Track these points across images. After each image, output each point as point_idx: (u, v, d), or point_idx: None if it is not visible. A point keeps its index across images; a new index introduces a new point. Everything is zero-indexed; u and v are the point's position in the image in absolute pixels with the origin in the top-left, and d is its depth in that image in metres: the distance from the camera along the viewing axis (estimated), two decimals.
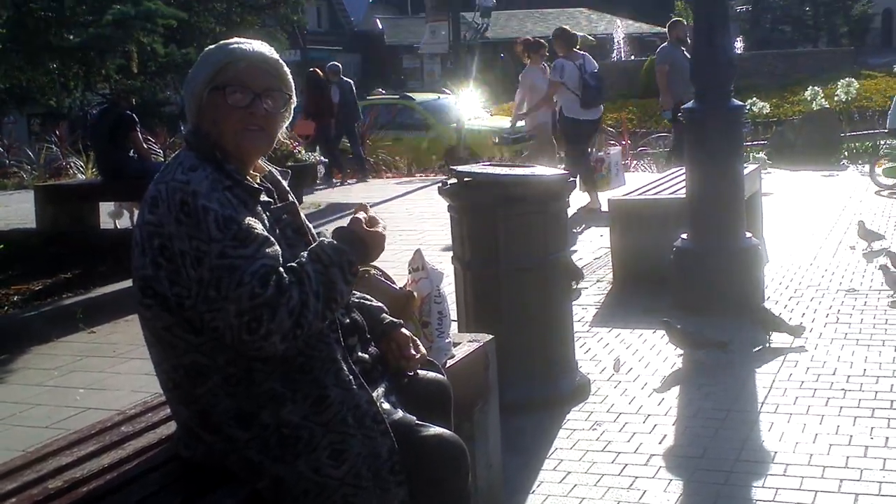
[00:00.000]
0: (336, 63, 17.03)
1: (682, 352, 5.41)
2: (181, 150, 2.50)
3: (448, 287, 3.35)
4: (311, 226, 2.67)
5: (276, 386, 2.37)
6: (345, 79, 16.94)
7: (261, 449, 2.37)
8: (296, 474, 2.36)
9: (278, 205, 2.54)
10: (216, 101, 2.45)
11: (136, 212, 10.09)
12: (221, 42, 2.56)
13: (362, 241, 2.48)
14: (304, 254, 2.40)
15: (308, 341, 2.39)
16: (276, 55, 2.54)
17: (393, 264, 5.25)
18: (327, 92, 15.71)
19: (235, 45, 2.51)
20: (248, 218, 2.33)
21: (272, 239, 2.35)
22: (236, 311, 2.24)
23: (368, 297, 2.86)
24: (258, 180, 2.54)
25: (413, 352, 2.73)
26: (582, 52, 11.13)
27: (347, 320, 2.62)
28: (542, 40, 12.59)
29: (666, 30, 12.88)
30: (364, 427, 2.42)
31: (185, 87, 2.55)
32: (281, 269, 2.30)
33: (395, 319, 2.81)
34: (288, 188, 2.67)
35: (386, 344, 2.74)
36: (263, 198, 2.47)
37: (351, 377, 2.47)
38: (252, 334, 2.25)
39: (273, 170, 2.64)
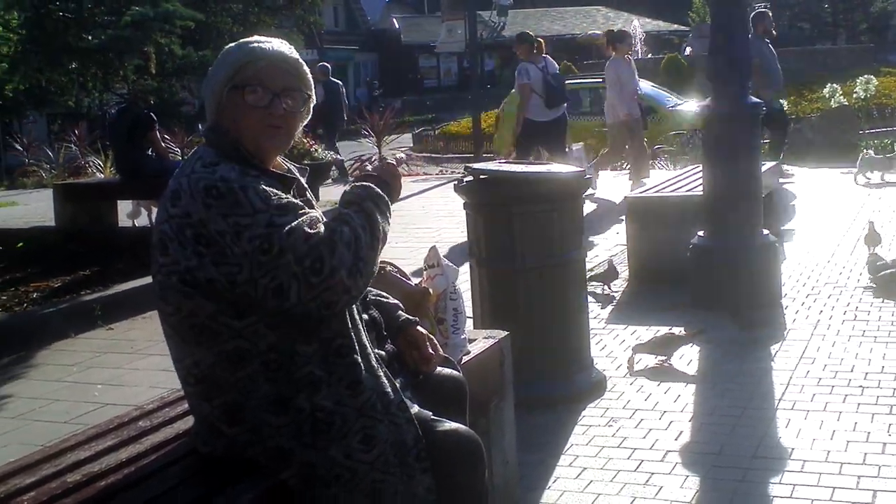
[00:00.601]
0: (325, 63, 16.98)
1: (697, 349, 5.41)
2: (199, 146, 2.51)
3: (463, 284, 3.36)
4: None
5: (315, 370, 2.38)
6: (333, 80, 16.93)
7: (293, 435, 2.37)
8: (328, 460, 2.37)
9: (299, 199, 2.53)
10: (235, 100, 2.46)
11: (154, 210, 10.25)
12: (241, 41, 2.57)
13: (377, 177, 2.56)
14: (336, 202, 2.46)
15: (342, 324, 2.42)
16: (295, 54, 2.55)
17: (408, 261, 5.27)
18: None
19: (255, 44, 2.52)
20: (286, 196, 2.37)
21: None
22: (296, 259, 2.24)
23: (384, 294, 2.87)
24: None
25: (431, 351, 2.74)
26: (543, 56, 11.57)
27: (365, 316, 2.63)
28: (627, 30, 12.67)
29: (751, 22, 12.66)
30: (390, 414, 2.44)
31: (205, 86, 2.56)
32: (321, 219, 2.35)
33: (410, 317, 2.83)
34: (306, 185, 2.69)
35: (402, 341, 2.76)
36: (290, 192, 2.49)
37: (378, 364, 2.50)
38: (318, 275, 2.24)
39: (291, 167, 2.65)
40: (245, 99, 2.45)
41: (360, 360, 2.44)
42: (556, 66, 11.84)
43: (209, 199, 2.28)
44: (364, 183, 2.51)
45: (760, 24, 12.25)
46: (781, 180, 11.46)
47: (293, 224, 2.27)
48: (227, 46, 2.59)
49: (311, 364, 2.38)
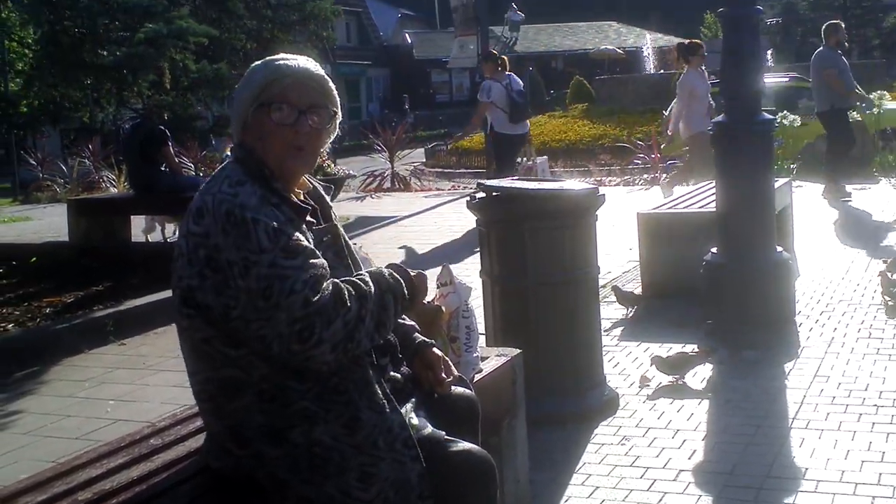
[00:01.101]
0: None
1: (710, 366, 5.38)
2: (227, 162, 2.50)
3: (476, 301, 3.35)
4: (352, 245, 2.69)
5: (310, 405, 2.37)
6: None
7: (289, 468, 2.37)
8: (324, 496, 2.35)
9: (321, 226, 2.55)
10: (261, 118, 2.46)
11: (168, 226, 10.28)
12: (267, 59, 2.56)
13: (411, 280, 2.57)
14: (364, 274, 2.46)
15: (342, 362, 2.40)
16: (321, 71, 2.55)
17: None
18: None
19: (281, 62, 2.51)
20: (296, 232, 2.36)
21: (318, 252, 2.38)
22: (288, 320, 2.25)
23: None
24: (301, 197, 2.56)
25: (445, 375, 2.73)
26: (507, 73, 12.02)
27: (390, 337, 2.63)
28: (699, 41, 12.17)
29: (822, 33, 12.57)
30: (394, 451, 2.41)
31: (232, 103, 2.57)
32: (336, 280, 2.34)
33: (426, 339, 2.82)
34: (331, 203, 2.69)
35: (418, 363, 2.75)
36: (307, 217, 2.48)
37: (385, 401, 2.47)
38: (303, 343, 2.26)
39: (317, 185, 2.65)
40: (271, 117, 2.44)
41: (358, 398, 2.42)
42: (521, 83, 12.27)
43: (228, 225, 2.28)
44: (398, 278, 2.52)
45: (833, 37, 12.12)
46: (843, 199, 11.38)
47: (301, 278, 2.26)
48: (253, 65, 2.58)
49: (306, 399, 2.37)
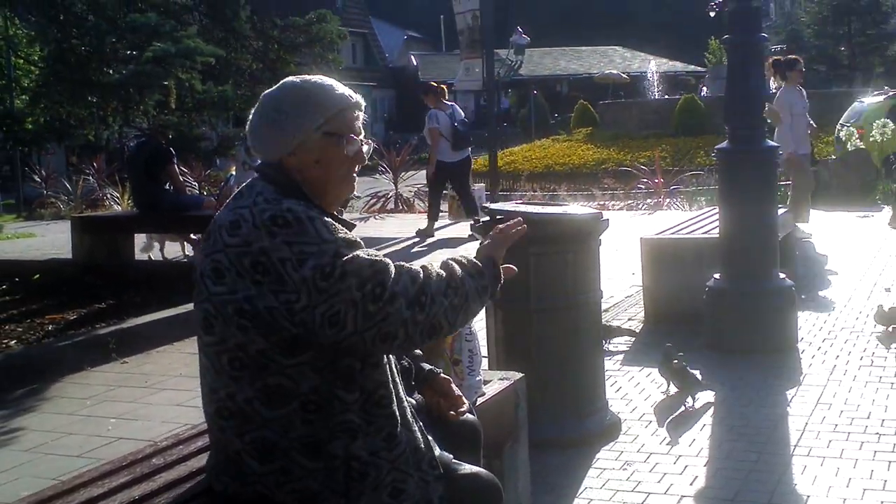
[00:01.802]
0: None
1: (712, 393, 5.37)
2: (254, 179, 2.50)
3: (478, 324, 3.36)
4: None
5: (354, 417, 2.37)
6: None
7: (324, 481, 2.36)
8: None
9: None
10: (326, 145, 2.47)
11: (167, 244, 10.27)
12: (322, 82, 2.54)
13: (497, 268, 2.62)
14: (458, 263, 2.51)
15: (384, 375, 2.42)
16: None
17: None
18: None
19: (345, 92, 2.54)
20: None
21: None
22: (358, 283, 2.26)
23: None
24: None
25: (459, 396, 2.77)
26: (450, 103, 12.94)
27: (405, 363, 2.68)
28: (796, 56, 11.46)
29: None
30: (421, 470, 2.44)
31: (281, 122, 2.49)
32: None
33: (434, 368, 2.85)
34: None
35: (429, 391, 2.79)
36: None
37: (413, 417, 2.50)
38: (377, 301, 2.26)
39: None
40: (342, 149, 2.48)
41: (397, 412, 2.44)
42: (462, 113, 13.29)
43: (275, 227, 2.28)
44: (481, 268, 2.54)
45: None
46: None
47: (358, 251, 2.30)
48: (303, 85, 2.54)
49: (351, 412, 2.36)
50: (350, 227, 2.47)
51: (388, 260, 2.34)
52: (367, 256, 2.30)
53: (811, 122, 10.92)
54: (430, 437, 2.56)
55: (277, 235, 2.28)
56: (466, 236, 11.41)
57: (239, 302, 2.31)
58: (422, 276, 2.35)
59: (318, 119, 2.47)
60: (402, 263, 2.37)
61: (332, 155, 2.49)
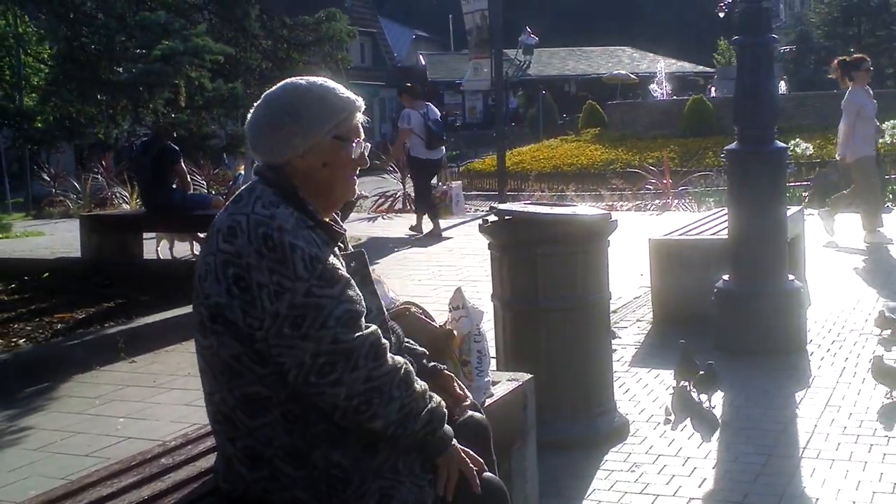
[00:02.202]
0: None
1: (721, 394, 5.36)
2: (253, 182, 2.50)
3: (486, 325, 3.35)
4: (374, 274, 2.72)
5: (332, 427, 2.37)
6: None
7: (309, 489, 2.37)
8: None
9: (347, 252, 2.58)
10: (336, 148, 2.49)
11: (177, 243, 10.31)
12: (329, 86, 2.54)
13: (449, 454, 2.50)
14: (429, 392, 2.49)
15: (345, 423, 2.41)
16: None
17: (432, 300, 5.27)
18: None
19: (352, 96, 2.55)
20: (331, 258, 2.38)
21: (353, 281, 2.40)
22: (313, 351, 2.28)
23: (411, 340, 2.88)
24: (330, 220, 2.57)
25: (460, 392, 2.75)
26: (425, 102, 13.15)
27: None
28: (862, 55, 10.88)
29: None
30: (413, 475, 2.43)
31: (291, 125, 2.46)
32: (380, 334, 2.38)
33: (437, 364, 2.83)
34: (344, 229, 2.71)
35: (431, 386, 2.74)
36: (339, 244, 2.51)
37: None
38: (322, 378, 2.29)
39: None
40: (348, 152, 2.50)
41: None
42: (438, 112, 13.48)
43: (264, 248, 2.29)
44: (445, 434, 2.49)
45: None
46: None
47: (335, 313, 2.29)
48: (313, 88, 2.53)
49: (328, 421, 2.37)
50: (337, 236, 2.47)
51: (359, 337, 2.32)
52: (335, 321, 2.28)
53: (878, 124, 10.67)
54: None
55: (264, 258, 2.29)
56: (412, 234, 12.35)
57: (211, 307, 2.34)
58: (384, 376, 2.35)
59: (330, 122, 2.48)
60: (383, 347, 2.37)
61: (340, 158, 2.50)
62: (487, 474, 2.60)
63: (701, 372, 5.20)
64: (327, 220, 2.50)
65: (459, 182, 15.44)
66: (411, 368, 2.45)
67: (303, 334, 2.27)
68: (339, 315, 2.30)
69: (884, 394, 5.24)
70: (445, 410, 2.51)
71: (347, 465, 2.37)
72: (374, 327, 2.39)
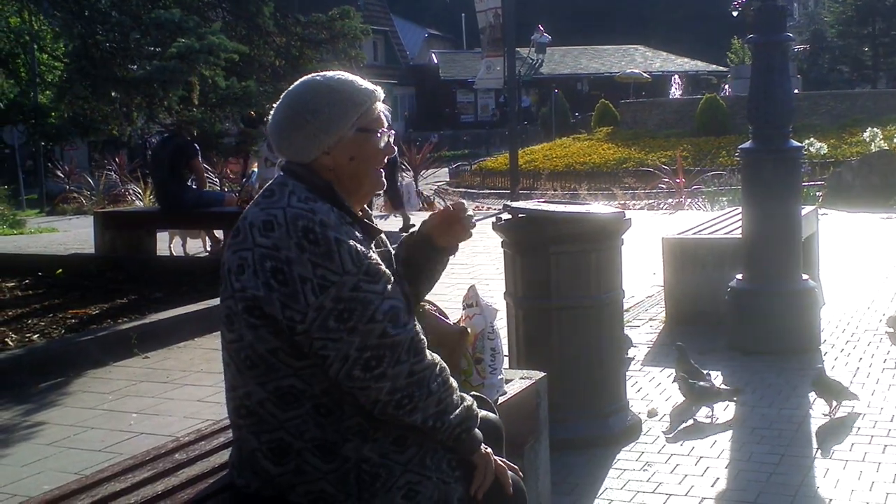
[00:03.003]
0: None
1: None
2: (282, 177, 2.47)
3: (499, 323, 3.35)
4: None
5: (364, 420, 2.37)
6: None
7: (337, 483, 2.37)
8: None
9: (380, 249, 2.58)
10: (361, 140, 2.49)
11: (189, 239, 10.34)
12: (347, 79, 2.53)
13: (484, 455, 2.51)
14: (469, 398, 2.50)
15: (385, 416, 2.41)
16: None
17: (446, 297, 5.28)
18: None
19: (369, 87, 2.54)
20: (373, 253, 2.39)
21: (393, 278, 2.41)
22: (360, 345, 2.28)
23: (443, 311, 2.90)
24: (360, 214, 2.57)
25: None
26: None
27: None
28: None
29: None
30: (440, 471, 2.43)
31: (316, 123, 2.46)
32: (416, 325, 2.40)
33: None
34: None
35: None
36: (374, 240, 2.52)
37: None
38: (366, 371, 2.29)
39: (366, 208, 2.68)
40: (375, 143, 2.51)
41: None
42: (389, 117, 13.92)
43: (305, 241, 2.29)
44: (474, 434, 2.49)
45: None
46: None
47: (382, 307, 2.31)
48: (329, 83, 2.51)
49: (361, 415, 2.37)
50: (375, 232, 2.49)
51: (404, 332, 2.33)
52: (383, 315, 2.30)
53: None
54: None
55: (305, 251, 2.28)
56: (397, 230, 12.36)
57: (248, 300, 2.33)
58: (424, 370, 2.36)
59: (353, 116, 2.47)
60: (423, 342, 2.39)
61: (367, 150, 2.50)
62: (510, 473, 2.60)
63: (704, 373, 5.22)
64: (361, 215, 2.51)
65: (411, 177, 15.66)
66: (445, 365, 2.46)
67: (351, 328, 2.27)
68: (387, 310, 2.31)
69: (823, 411, 5.04)
70: (478, 411, 2.52)
71: (376, 459, 2.37)
72: (413, 321, 2.41)
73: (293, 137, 2.49)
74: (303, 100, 2.49)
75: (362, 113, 2.49)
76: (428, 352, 2.41)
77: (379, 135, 2.52)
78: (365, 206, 2.67)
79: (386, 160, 2.57)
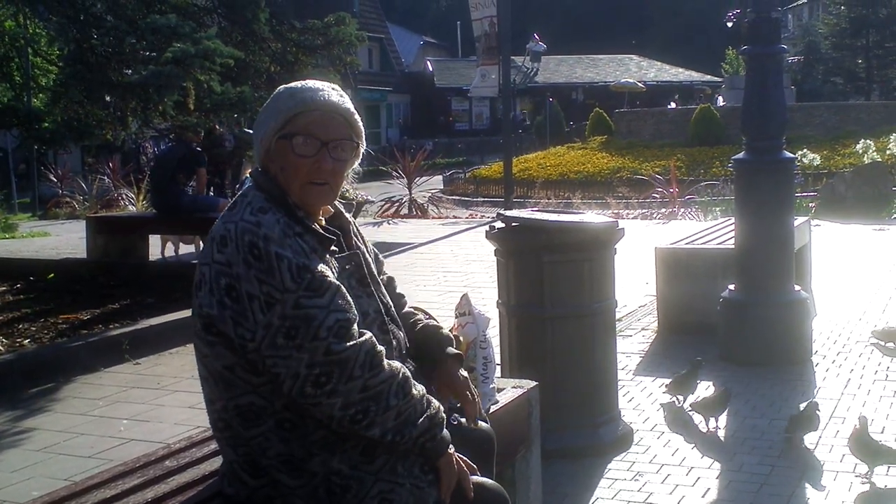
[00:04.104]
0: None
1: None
2: (248, 187, 2.49)
3: (492, 331, 3.35)
4: (377, 272, 2.68)
5: (329, 434, 2.35)
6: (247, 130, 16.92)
7: (308, 498, 2.36)
8: None
9: (343, 254, 2.52)
10: (284, 149, 2.44)
11: (182, 245, 10.34)
12: (292, 87, 2.51)
13: (448, 457, 2.45)
14: (427, 396, 2.43)
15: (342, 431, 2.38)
16: (347, 103, 2.52)
17: (437, 304, 5.27)
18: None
19: (308, 94, 2.47)
20: (320, 265, 2.34)
21: (343, 288, 2.36)
22: (308, 362, 2.25)
23: (435, 320, 2.84)
24: (324, 223, 2.54)
25: (469, 397, 2.65)
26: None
27: (410, 367, 2.58)
28: None
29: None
30: (413, 476, 2.41)
31: (255, 130, 2.55)
32: (374, 341, 2.33)
33: (456, 352, 2.74)
34: (355, 223, 2.69)
35: (440, 380, 2.67)
36: (331, 247, 2.46)
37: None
38: (317, 388, 2.26)
39: (340, 207, 2.64)
40: (294, 150, 2.43)
41: None
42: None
43: (251, 256, 2.27)
44: (440, 435, 2.43)
45: None
46: None
47: (326, 323, 2.26)
48: (278, 90, 2.53)
49: (326, 428, 2.34)
50: (326, 241, 2.42)
51: (353, 346, 2.28)
52: (327, 331, 2.25)
53: None
54: None
55: (252, 267, 2.27)
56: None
57: (204, 318, 2.33)
58: (381, 383, 2.30)
59: (279, 123, 2.45)
60: (379, 354, 2.32)
61: (289, 158, 2.44)
62: (486, 480, 2.58)
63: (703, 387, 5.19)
64: (318, 223, 2.48)
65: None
66: (409, 374, 2.40)
67: (297, 345, 2.25)
68: (331, 325, 2.26)
69: (858, 473, 4.37)
70: (444, 416, 2.47)
71: (346, 471, 2.36)
72: (368, 335, 2.34)
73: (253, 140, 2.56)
74: (263, 106, 2.56)
75: (288, 120, 2.43)
76: (387, 363, 2.35)
77: (300, 141, 2.43)
78: (344, 211, 2.65)
79: (320, 175, 2.44)
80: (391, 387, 2.33)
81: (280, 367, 2.26)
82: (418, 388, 2.41)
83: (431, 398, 2.46)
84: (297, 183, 2.44)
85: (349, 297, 2.36)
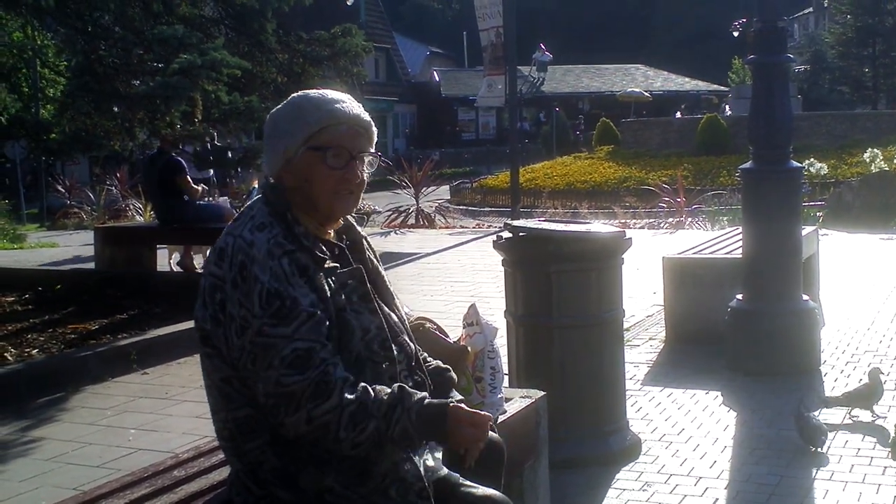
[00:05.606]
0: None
1: (734, 414, 5.34)
2: (256, 199, 2.50)
3: (500, 341, 3.35)
4: (387, 284, 2.67)
5: (315, 450, 2.35)
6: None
7: None
8: None
9: (343, 270, 2.48)
10: (312, 160, 2.44)
11: (191, 255, 10.31)
12: (313, 97, 2.50)
13: (445, 430, 2.38)
14: (393, 390, 2.35)
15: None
16: (366, 115, 2.53)
17: (444, 314, 5.27)
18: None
19: (337, 107, 2.47)
20: (297, 290, 2.30)
21: (319, 315, 2.31)
22: (263, 392, 2.28)
23: (442, 329, 2.86)
24: (332, 236, 2.54)
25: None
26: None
27: (410, 383, 2.52)
28: None
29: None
30: (407, 501, 2.40)
31: (273, 139, 2.49)
32: (334, 366, 2.29)
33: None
34: (365, 237, 2.69)
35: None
36: (329, 264, 2.43)
37: (402, 452, 2.44)
38: (274, 416, 2.30)
39: (352, 221, 2.64)
40: (326, 162, 2.43)
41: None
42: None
43: (238, 277, 2.30)
44: (421, 427, 2.34)
45: None
46: None
47: (282, 353, 2.25)
48: (296, 101, 2.52)
49: (315, 445, 2.34)
50: (320, 260, 2.41)
51: (303, 379, 2.24)
52: (280, 361, 2.24)
53: None
54: (428, 458, 2.53)
55: (237, 289, 2.29)
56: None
57: (201, 330, 2.36)
58: (329, 411, 2.25)
59: (305, 135, 2.44)
60: (333, 382, 2.26)
61: (319, 170, 2.44)
62: (493, 491, 2.57)
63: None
64: (329, 235, 2.49)
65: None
66: (366, 401, 2.29)
67: (255, 372, 2.29)
68: (286, 355, 2.25)
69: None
70: (433, 411, 2.37)
71: (339, 490, 2.36)
72: (323, 367, 2.27)
73: (265, 150, 2.54)
74: (276, 114, 2.53)
75: (315, 132, 2.43)
76: (340, 396, 2.27)
77: (332, 154, 2.44)
78: (354, 223, 2.65)
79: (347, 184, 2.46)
80: (338, 419, 2.26)
81: (253, 387, 2.32)
82: (379, 406, 2.30)
83: (405, 407, 2.33)
84: (325, 193, 2.45)
85: (324, 327, 2.31)
